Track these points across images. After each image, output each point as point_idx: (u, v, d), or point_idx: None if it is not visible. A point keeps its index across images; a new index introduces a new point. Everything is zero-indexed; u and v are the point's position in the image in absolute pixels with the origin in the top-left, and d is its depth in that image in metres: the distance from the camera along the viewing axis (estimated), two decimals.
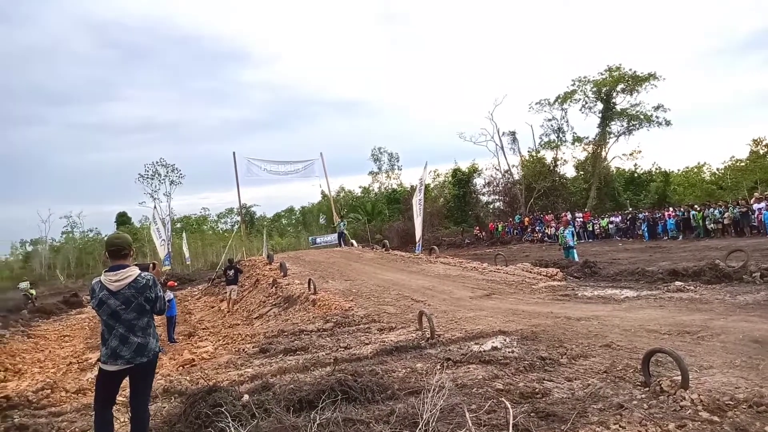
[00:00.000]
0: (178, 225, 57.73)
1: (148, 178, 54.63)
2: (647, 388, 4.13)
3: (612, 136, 42.03)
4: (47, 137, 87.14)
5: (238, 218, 50.07)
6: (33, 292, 25.52)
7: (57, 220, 61.21)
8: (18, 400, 6.22)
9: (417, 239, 21.37)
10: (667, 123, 39.57)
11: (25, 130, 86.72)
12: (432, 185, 49.47)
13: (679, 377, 3.95)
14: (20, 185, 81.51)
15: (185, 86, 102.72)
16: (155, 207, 29.92)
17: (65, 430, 4.70)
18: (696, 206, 26.00)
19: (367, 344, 6.91)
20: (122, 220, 59.36)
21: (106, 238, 4.12)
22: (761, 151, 40.90)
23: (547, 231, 32.31)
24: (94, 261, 54.05)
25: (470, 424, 3.44)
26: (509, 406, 3.61)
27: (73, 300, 22.14)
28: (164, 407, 5.01)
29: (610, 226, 30.24)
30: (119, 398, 4.43)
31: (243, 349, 8.02)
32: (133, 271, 3.76)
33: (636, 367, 4.65)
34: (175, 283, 18.70)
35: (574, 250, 17.61)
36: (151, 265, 4.24)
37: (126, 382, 3.88)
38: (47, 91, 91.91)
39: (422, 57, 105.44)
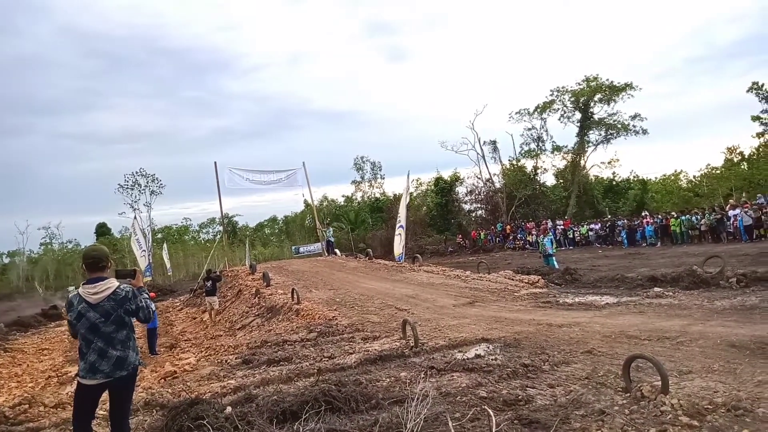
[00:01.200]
0: (159, 235, 57.05)
1: (127, 188, 53.91)
2: (628, 394, 4.18)
3: (590, 144, 42.63)
4: (27, 147, 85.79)
5: (220, 228, 49.70)
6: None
7: (35, 231, 59.83)
8: None
9: (400, 248, 21.37)
10: (644, 132, 40.31)
11: (6, 140, 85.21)
12: (414, 194, 49.61)
13: (659, 382, 4.01)
14: None
15: (170, 96, 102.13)
16: (135, 217, 29.54)
17: None
18: (674, 213, 26.49)
19: (351, 354, 6.90)
20: (102, 230, 58.49)
21: (83, 251, 4.07)
22: (735, 159, 41.82)
23: (528, 238, 32.60)
24: (73, 272, 53.05)
25: None
26: (492, 413, 3.63)
27: (51, 312, 21.71)
28: (146, 420, 4.94)
29: (590, 233, 30.63)
30: (99, 412, 4.36)
31: (226, 361, 7.93)
32: (112, 283, 3.72)
33: (617, 372, 4.70)
34: (155, 295, 18.47)
35: (553, 258, 17.82)
36: (133, 270, 4.20)
37: (106, 395, 3.82)
38: (32, 101, 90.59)
39: (404, 67, 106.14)
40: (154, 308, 4.12)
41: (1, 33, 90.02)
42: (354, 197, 58.20)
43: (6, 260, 58.96)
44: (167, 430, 4.26)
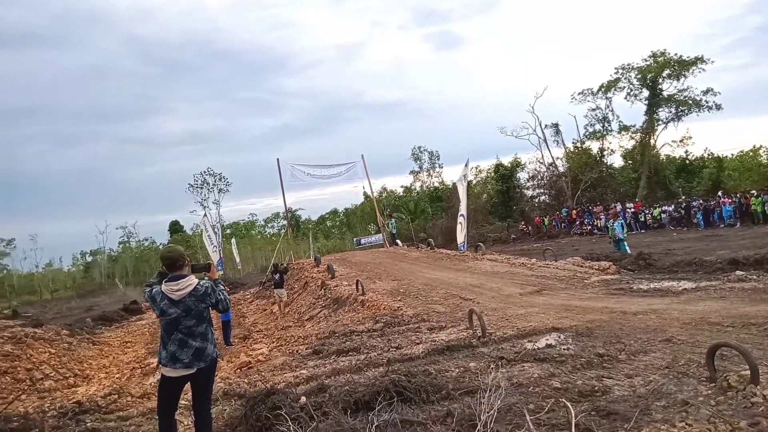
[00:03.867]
0: (228, 231, 59.17)
1: (197, 187, 56.50)
2: (713, 384, 3.98)
3: (660, 123, 40.53)
4: (97, 153, 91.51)
5: (285, 222, 51.02)
6: None
7: (114, 231, 63.61)
8: (89, 405, 6.52)
9: (462, 237, 21.15)
10: (718, 107, 37.91)
11: (81, 147, 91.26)
12: (474, 181, 48.95)
13: (748, 372, 3.79)
14: (79, 200, 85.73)
15: (228, 98, 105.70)
16: (205, 214, 30.76)
17: None
18: (754, 191, 24.84)
19: (418, 344, 6.92)
20: (175, 228, 61.35)
21: (160, 252, 4.33)
22: None
23: (596, 223, 31.49)
24: (150, 269, 56.03)
25: (531, 426, 3.39)
26: (570, 405, 3.55)
27: (132, 307, 22.96)
28: (225, 410, 5.17)
29: (663, 215, 29.23)
30: (181, 402, 4.59)
31: (297, 351, 8.17)
32: (192, 281, 3.92)
33: (699, 362, 4.49)
34: (228, 289, 19.22)
35: (625, 243, 17.10)
36: (208, 264, 4.40)
37: (187, 387, 4.02)
38: (97, 109, 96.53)
39: (458, 54, 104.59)
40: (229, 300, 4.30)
41: (67, 47, 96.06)
42: (413, 187, 58.21)
43: (89, 259, 62.86)
44: (246, 419, 4.44)
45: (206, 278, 4.13)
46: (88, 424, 5.11)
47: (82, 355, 13.05)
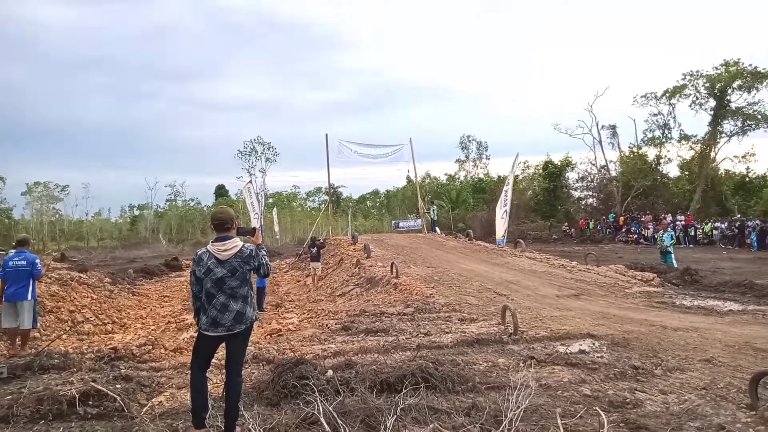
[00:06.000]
0: (270, 200, 60.25)
1: (246, 154, 57.72)
2: (754, 413, 3.82)
3: (723, 135, 38.69)
4: (159, 111, 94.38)
5: (326, 197, 51.49)
6: None
7: (162, 188, 65.57)
8: (124, 352, 6.80)
9: (503, 231, 20.88)
10: None
11: (141, 103, 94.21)
12: (521, 177, 48.13)
13: None
14: (132, 154, 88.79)
15: (285, 69, 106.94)
16: (251, 181, 31.28)
17: (164, 385, 5.07)
18: None
19: (447, 333, 6.90)
20: (220, 192, 62.83)
21: (211, 212, 4.40)
22: None
23: (643, 232, 30.53)
24: (193, 228, 57.75)
25: (561, 429, 3.33)
26: (602, 414, 3.47)
27: (173, 263, 23.64)
28: (253, 373, 5.28)
29: (715, 232, 28.09)
30: (213, 360, 4.71)
31: (326, 325, 8.26)
32: (238, 242, 4.00)
33: (740, 387, 4.32)
34: None
35: (672, 255, 16.54)
36: (253, 229, 4.47)
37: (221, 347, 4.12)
38: (162, 68, 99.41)
39: (519, 44, 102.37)
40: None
41: (139, 2, 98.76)
42: (457, 176, 57.74)
43: (136, 212, 65.05)
44: (273, 385, 4.53)
45: (250, 242, 4.20)
46: (122, 371, 5.31)
47: (121, 303, 13.52)
